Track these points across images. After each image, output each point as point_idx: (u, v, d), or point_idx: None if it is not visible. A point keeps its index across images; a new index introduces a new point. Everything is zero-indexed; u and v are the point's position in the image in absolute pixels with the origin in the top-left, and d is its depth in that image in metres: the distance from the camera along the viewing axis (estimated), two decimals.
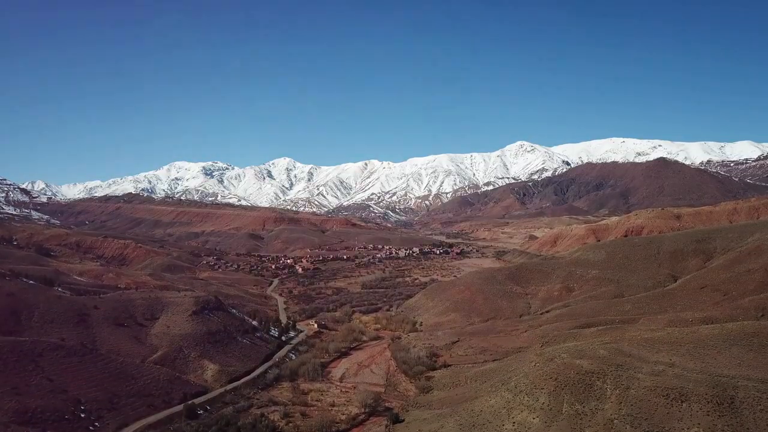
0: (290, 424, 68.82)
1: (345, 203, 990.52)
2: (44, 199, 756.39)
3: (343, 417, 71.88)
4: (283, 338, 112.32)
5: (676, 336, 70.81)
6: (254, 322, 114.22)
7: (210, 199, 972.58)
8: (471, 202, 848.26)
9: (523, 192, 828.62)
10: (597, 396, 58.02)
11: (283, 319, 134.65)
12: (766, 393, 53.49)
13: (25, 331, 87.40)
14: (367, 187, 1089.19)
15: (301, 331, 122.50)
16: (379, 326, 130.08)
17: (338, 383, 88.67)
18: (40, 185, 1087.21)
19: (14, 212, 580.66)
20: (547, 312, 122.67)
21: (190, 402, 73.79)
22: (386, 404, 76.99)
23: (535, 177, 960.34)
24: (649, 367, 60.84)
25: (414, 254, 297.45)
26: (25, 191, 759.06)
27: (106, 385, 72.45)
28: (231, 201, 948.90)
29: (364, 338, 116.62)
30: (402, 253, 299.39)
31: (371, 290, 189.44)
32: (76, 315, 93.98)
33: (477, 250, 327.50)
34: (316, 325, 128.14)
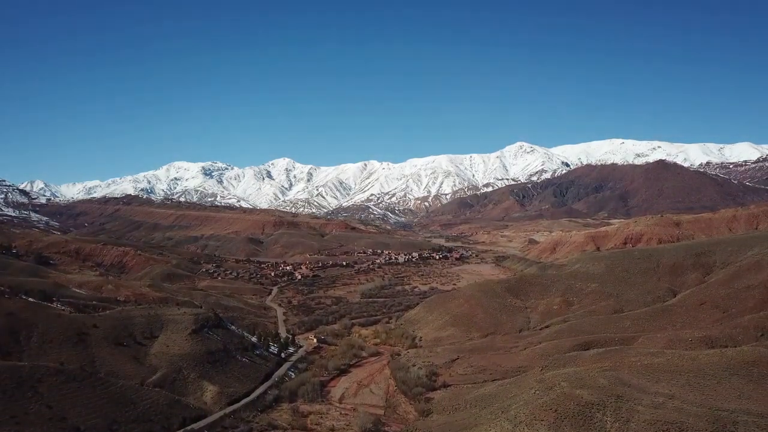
0: None
1: (344, 204, 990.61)
2: (43, 200, 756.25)
3: None
4: (283, 355, 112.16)
5: (675, 363, 70.82)
6: (253, 339, 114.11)
7: (209, 199, 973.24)
8: (470, 204, 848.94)
9: (522, 194, 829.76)
10: (597, 429, 57.89)
11: (283, 332, 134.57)
12: (766, 429, 53.59)
13: (24, 351, 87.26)
14: (367, 188, 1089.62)
15: (301, 347, 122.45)
16: (378, 341, 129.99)
17: (338, 404, 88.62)
18: (39, 185, 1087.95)
19: (13, 214, 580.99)
20: (547, 327, 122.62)
21: (189, 427, 73.70)
22: (386, 428, 76.98)
23: (534, 178, 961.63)
24: (649, 399, 60.85)
25: (413, 259, 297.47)
26: (24, 192, 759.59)
27: (105, 411, 72.17)
28: (230, 201, 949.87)
29: (364, 354, 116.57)
30: (401, 259, 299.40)
31: (370, 299, 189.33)
32: (76, 334, 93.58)
33: (476, 255, 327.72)
34: (315, 340, 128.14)
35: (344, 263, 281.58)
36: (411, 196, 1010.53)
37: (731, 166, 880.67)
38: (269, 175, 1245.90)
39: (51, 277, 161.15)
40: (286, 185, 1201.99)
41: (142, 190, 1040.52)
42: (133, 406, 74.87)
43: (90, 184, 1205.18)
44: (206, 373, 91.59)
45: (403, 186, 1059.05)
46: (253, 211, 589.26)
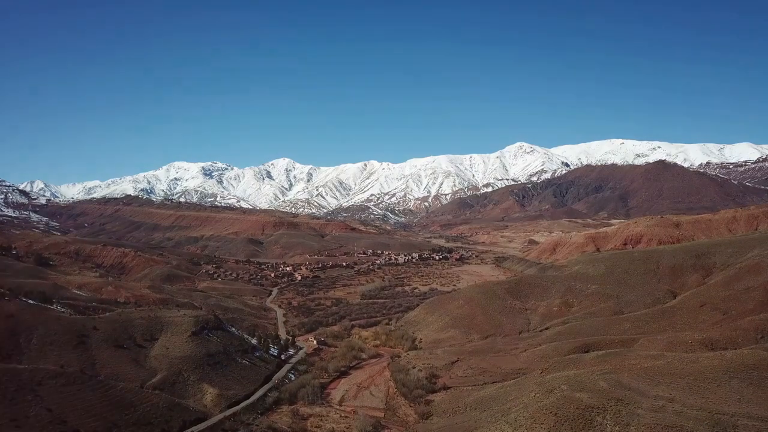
0: None
1: (344, 204, 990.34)
2: (43, 200, 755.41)
3: None
4: (283, 357, 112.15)
5: (675, 366, 70.79)
6: (253, 341, 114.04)
7: (209, 200, 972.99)
8: (470, 204, 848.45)
9: (522, 194, 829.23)
10: None
11: (283, 334, 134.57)
12: None
13: (24, 354, 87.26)
14: (367, 188, 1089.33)
15: (301, 348, 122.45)
16: (378, 342, 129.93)
17: (338, 407, 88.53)
18: (39, 185, 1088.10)
19: (13, 214, 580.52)
20: (547, 329, 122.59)
21: (189, 430, 73.75)
22: (385, 431, 76.98)
23: (534, 179, 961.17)
24: (649, 403, 60.84)
25: (413, 260, 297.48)
26: (24, 192, 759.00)
27: (105, 414, 72.17)
28: (230, 202, 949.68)
29: (364, 356, 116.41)
30: (401, 259, 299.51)
31: (370, 301, 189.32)
32: (76, 337, 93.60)
33: (476, 256, 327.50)
34: (315, 342, 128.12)
35: (344, 264, 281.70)
36: (411, 197, 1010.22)
37: (731, 167, 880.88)
38: (269, 176, 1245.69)
39: (51, 278, 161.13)
40: (286, 185, 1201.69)
41: (142, 190, 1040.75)
42: (133, 409, 74.85)
43: (90, 184, 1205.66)
44: (206, 375, 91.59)
45: (403, 186, 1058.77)
46: (253, 211, 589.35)
